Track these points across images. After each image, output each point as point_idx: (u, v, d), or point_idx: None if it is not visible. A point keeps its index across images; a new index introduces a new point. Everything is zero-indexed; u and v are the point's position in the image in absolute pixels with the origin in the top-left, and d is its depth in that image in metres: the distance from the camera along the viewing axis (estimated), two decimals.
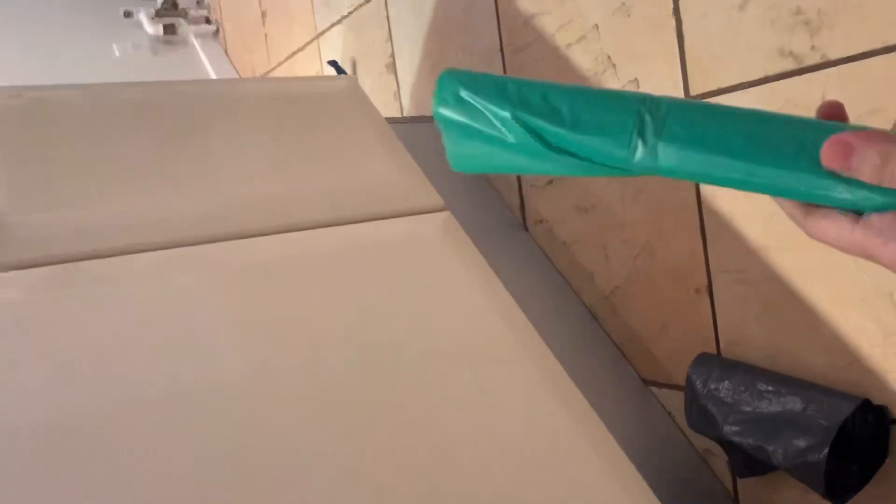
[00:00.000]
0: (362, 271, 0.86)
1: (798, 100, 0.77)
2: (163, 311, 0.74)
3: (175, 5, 2.37)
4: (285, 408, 0.67)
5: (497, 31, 1.16)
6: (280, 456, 0.62)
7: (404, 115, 1.46)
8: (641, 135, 0.30)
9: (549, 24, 1.06)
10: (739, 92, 0.82)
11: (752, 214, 0.83)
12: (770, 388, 0.79)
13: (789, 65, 0.77)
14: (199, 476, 0.59)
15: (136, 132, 0.95)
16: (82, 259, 0.78)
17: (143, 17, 2.32)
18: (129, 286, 0.76)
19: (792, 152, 0.29)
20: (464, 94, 0.34)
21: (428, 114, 1.37)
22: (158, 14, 2.34)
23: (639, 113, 0.31)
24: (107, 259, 0.79)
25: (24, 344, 0.66)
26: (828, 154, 0.28)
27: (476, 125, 0.34)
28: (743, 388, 0.82)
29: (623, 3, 0.94)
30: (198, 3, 2.51)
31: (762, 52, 0.79)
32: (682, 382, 0.95)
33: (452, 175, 1.39)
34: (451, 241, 0.96)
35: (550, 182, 1.11)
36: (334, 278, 0.84)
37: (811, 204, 0.30)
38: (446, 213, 1.00)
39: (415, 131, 1.33)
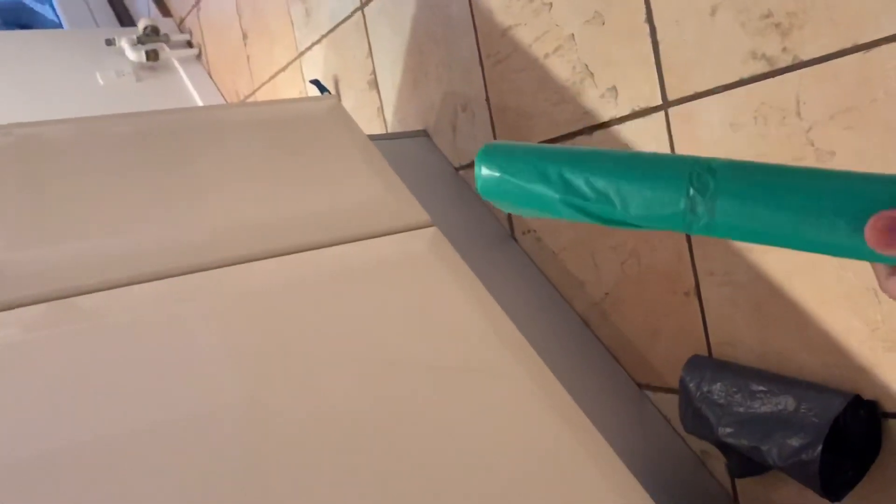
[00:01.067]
0: (354, 291, 0.86)
1: (773, 101, 0.77)
2: (160, 341, 0.75)
3: (156, 31, 2.37)
4: (284, 429, 0.67)
5: (475, 44, 1.17)
6: (280, 476, 0.62)
7: (388, 130, 1.46)
8: (693, 211, 0.29)
9: (525, 35, 1.07)
10: (716, 95, 0.83)
11: None
12: (762, 387, 0.79)
13: (762, 67, 0.78)
14: (203, 500, 0.59)
15: (126, 164, 0.95)
16: (77, 294, 0.78)
17: (125, 45, 2.32)
18: (124, 319, 0.77)
19: (855, 214, 0.26)
20: (506, 177, 0.34)
21: (411, 128, 1.37)
22: (140, 41, 2.34)
23: (689, 186, 0.29)
24: (101, 293, 0.79)
25: (23, 382, 0.67)
26: (870, 236, 0.25)
27: (521, 203, 0.34)
28: (735, 389, 0.82)
29: (597, 13, 0.95)
30: (179, 27, 2.52)
31: (735, 56, 0.80)
32: (676, 385, 0.95)
33: (438, 188, 1.40)
34: (440, 256, 0.96)
35: None
36: (326, 299, 0.85)
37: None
38: (433, 229, 1.00)
39: (399, 147, 1.34)
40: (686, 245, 0.90)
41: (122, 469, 0.61)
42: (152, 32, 2.37)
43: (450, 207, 1.29)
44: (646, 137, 0.92)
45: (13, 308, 0.75)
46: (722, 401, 0.83)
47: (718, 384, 0.84)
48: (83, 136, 0.99)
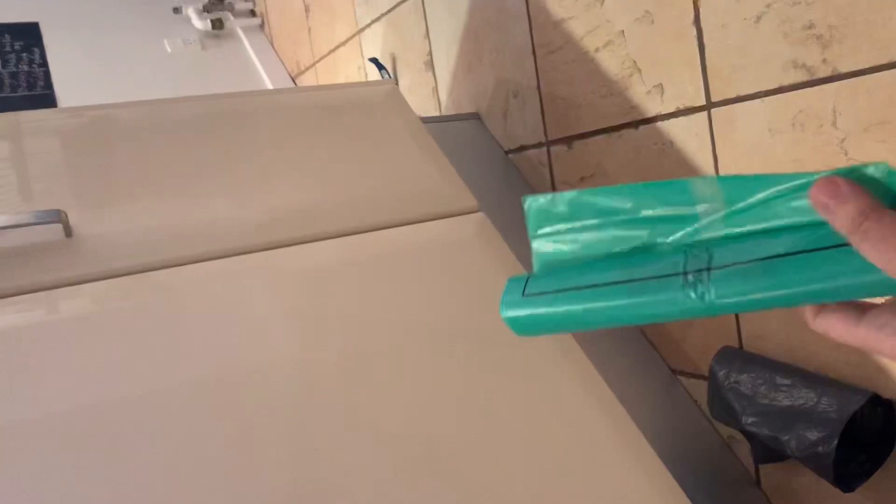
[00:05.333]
0: (402, 272, 0.93)
1: (811, 110, 0.80)
2: (227, 313, 0.83)
3: (221, 0, 2.45)
4: (327, 386, 0.75)
5: (529, 33, 1.21)
6: (322, 425, 0.70)
7: (442, 110, 1.51)
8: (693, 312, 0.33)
9: (577, 28, 1.11)
10: (757, 101, 0.86)
11: None
12: (786, 381, 0.84)
13: (802, 76, 0.81)
14: (262, 439, 0.68)
15: (192, 146, 1.03)
16: (150, 270, 0.86)
17: (191, 13, 2.41)
18: (194, 294, 0.85)
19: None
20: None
21: (464, 111, 1.42)
22: (206, 9, 2.42)
23: (683, 289, 0.33)
24: (172, 269, 0.87)
25: (101, 351, 0.75)
26: (817, 190, 0.29)
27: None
28: (761, 382, 0.87)
29: (647, 12, 0.98)
30: None
31: (777, 64, 0.83)
32: (707, 373, 1.00)
33: (488, 171, 1.45)
34: (485, 241, 1.02)
35: (582, 179, 1.16)
36: (375, 280, 0.92)
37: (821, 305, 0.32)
38: (480, 215, 1.06)
39: (452, 129, 1.39)
40: None
41: (193, 413, 0.69)
42: (218, 1, 2.45)
43: (498, 190, 1.34)
44: (689, 135, 0.96)
45: (95, 280, 0.84)
46: (748, 391, 0.88)
47: (745, 375, 0.89)
48: (152, 119, 1.06)
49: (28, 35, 2.21)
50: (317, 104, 1.19)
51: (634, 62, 1.02)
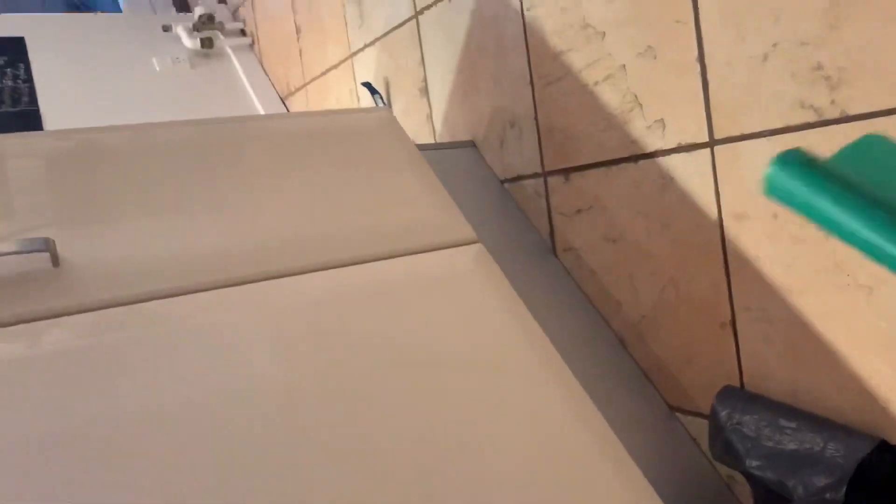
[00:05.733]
0: (396, 305, 0.91)
1: (818, 151, 0.80)
2: (215, 348, 0.80)
3: (212, 19, 2.43)
4: (324, 427, 0.72)
5: (527, 64, 1.20)
6: (305, 451, 0.67)
7: (437, 137, 1.50)
8: None
9: (576, 60, 1.10)
10: (762, 139, 0.85)
11: (775, 259, 0.86)
12: (791, 424, 0.83)
13: (810, 117, 0.80)
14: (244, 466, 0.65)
15: (184, 171, 1.00)
16: (139, 301, 0.84)
17: (181, 31, 2.39)
18: (183, 327, 0.82)
19: None
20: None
21: (459, 138, 1.41)
22: (196, 28, 2.40)
23: None
24: (161, 301, 0.85)
25: (89, 385, 0.72)
26: None
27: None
28: (765, 424, 0.85)
29: (649, 47, 0.97)
30: (233, 15, 2.57)
31: (784, 103, 0.82)
32: (707, 410, 0.99)
33: (483, 200, 1.44)
34: (483, 272, 1.00)
35: (579, 211, 1.15)
36: (375, 312, 0.89)
37: None
38: (478, 246, 1.04)
39: (447, 157, 1.38)
40: (724, 278, 0.93)
41: (180, 435, 0.67)
42: (208, 20, 2.43)
43: (494, 219, 1.32)
44: (690, 172, 0.95)
45: (83, 312, 0.81)
46: (751, 433, 0.87)
47: (749, 416, 0.87)
48: (141, 143, 1.03)
49: (13, 50, 2.18)
50: (311, 131, 1.17)
51: (635, 96, 1.01)
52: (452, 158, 1.37)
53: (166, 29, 2.40)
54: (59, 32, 2.32)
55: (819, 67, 0.78)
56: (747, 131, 0.87)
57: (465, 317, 0.94)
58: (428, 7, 1.45)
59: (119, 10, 2.71)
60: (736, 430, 0.89)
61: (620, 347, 1.13)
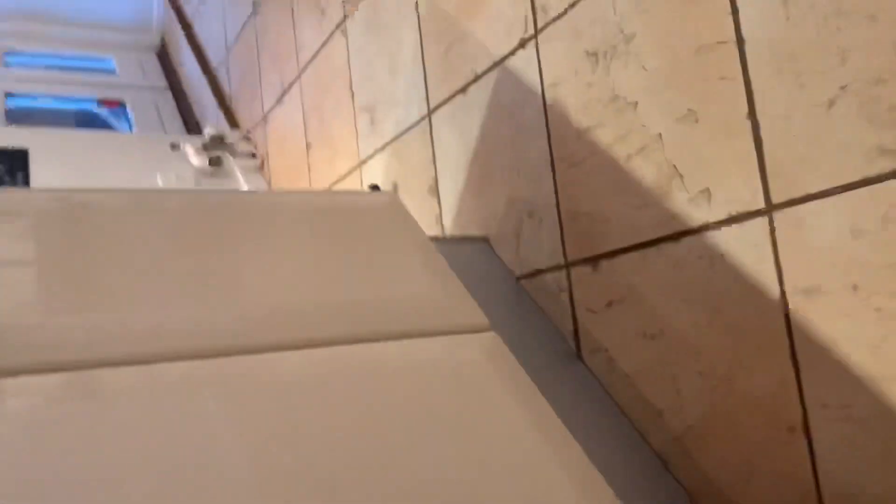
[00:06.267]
0: (399, 391, 0.75)
1: None
2: (180, 425, 0.64)
3: (222, 139, 2.40)
4: None
5: (548, 147, 1.10)
6: None
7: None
8: None
9: (604, 136, 1.00)
10: (833, 198, 0.72)
11: (857, 338, 0.71)
12: None
13: (892, 163, 0.67)
14: None
15: (175, 239, 0.90)
16: (101, 366, 0.69)
17: (189, 150, 2.35)
18: (147, 398, 0.67)
19: None
20: None
21: (469, 232, 1.29)
22: (206, 147, 2.37)
23: None
24: (127, 367, 0.70)
25: (33, 455, 0.57)
26: None
27: None
28: None
29: (690, 110, 0.87)
30: (246, 138, 2.56)
31: (858, 152, 0.70)
32: None
33: (495, 298, 1.28)
34: (498, 363, 0.85)
35: (609, 304, 1.00)
36: (370, 396, 0.74)
37: None
38: (491, 334, 0.89)
39: (455, 253, 1.25)
40: (792, 369, 0.77)
41: None
42: (218, 141, 2.41)
43: (507, 319, 1.17)
44: (744, 245, 0.81)
45: (39, 373, 0.67)
46: None
47: None
48: (133, 207, 0.93)
49: (15, 159, 2.13)
50: (312, 207, 1.06)
51: (675, 167, 0.89)
52: (462, 255, 1.24)
53: (174, 147, 2.37)
54: (65, 147, 2.29)
55: None
56: (813, 190, 0.74)
57: (474, 411, 0.77)
58: (442, 104, 1.38)
59: (131, 130, 2.71)
60: None
61: (663, 469, 0.94)
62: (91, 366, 0.69)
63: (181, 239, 0.90)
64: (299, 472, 0.62)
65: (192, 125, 2.91)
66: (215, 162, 2.35)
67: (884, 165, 0.68)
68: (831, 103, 0.72)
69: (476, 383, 0.81)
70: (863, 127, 0.70)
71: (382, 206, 1.09)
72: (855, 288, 0.71)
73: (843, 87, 0.71)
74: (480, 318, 0.91)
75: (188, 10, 3.14)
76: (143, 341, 0.73)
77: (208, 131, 2.41)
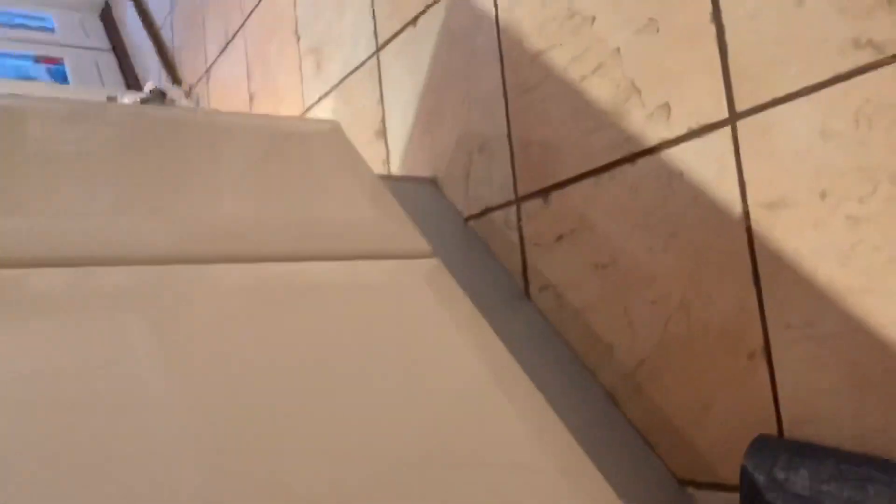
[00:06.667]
0: (339, 309, 0.68)
1: (881, 98, 0.61)
2: (108, 334, 0.56)
3: (162, 94, 2.28)
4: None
5: (500, 74, 1.03)
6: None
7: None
8: None
9: (560, 57, 0.93)
10: (802, 99, 0.67)
11: (825, 250, 0.65)
12: (871, 473, 0.58)
13: (867, 56, 0.62)
14: None
15: (113, 150, 0.83)
16: (26, 266, 0.61)
17: (126, 103, 2.23)
18: (76, 302, 0.59)
19: None
20: None
21: (417, 174, 1.22)
22: (144, 102, 2.24)
23: None
24: (54, 269, 0.62)
25: None
26: None
27: None
28: (828, 476, 0.60)
29: (650, 19, 0.81)
30: (188, 95, 2.44)
31: (830, 47, 0.65)
32: (732, 479, 0.73)
33: (441, 240, 1.21)
34: (440, 287, 0.78)
35: (559, 238, 0.94)
36: (311, 312, 0.67)
37: None
38: (434, 260, 0.83)
39: (401, 192, 1.17)
40: (753, 291, 0.71)
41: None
42: (158, 96, 2.28)
43: (455, 262, 1.10)
44: (705, 160, 0.75)
45: None
46: (807, 492, 0.61)
47: (803, 471, 0.63)
48: (72, 115, 0.86)
49: None
50: (249, 127, 0.98)
51: (632, 82, 0.83)
52: (407, 195, 1.16)
53: (111, 100, 2.24)
54: None
55: None
56: (780, 94, 0.69)
57: (417, 334, 0.70)
58: (391, 39, 1.30)
59: (67, 82, 2.57)
60: (783, 491, 0.63)
61: (612, 407, 0.88)
62: (14, 265, 0.60)
63: (120, 150, 0.82)
64: (231, 392, 0.54)
65: (133, 85, 2.78)
66: None
67: (857, 59, 0.63)
68: (800, 1, 0.67)
69: (418, 306, 0.75)
70: (836, 19, 0.64)
71: (325, 132, 1.01)
72: (823, 195, 0.65)
73: None
74: (423, 244, 0.84)
75: None
76: (74, 245, 0.65)
77: (148, 86, 2.29)
